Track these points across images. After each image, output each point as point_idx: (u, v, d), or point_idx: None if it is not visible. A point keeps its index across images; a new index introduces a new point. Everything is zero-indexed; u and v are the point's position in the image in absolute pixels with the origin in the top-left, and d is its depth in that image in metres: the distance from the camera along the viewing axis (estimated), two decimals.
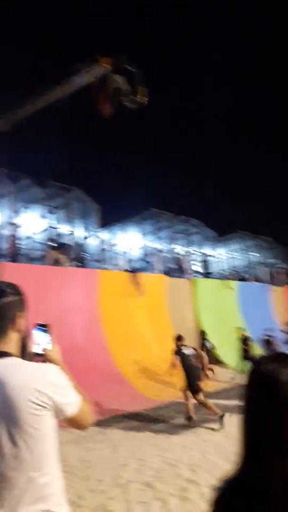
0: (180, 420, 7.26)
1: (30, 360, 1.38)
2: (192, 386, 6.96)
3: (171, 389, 10.07)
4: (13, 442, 1.22)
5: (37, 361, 1.39)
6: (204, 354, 7.81)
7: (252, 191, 35.99)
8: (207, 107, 37.73)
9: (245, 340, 11.12)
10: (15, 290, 1.42)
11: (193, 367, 7.09)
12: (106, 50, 9.04)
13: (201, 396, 6.94)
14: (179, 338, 7.59)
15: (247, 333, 11.37)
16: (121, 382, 9.74)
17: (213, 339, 14.04)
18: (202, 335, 11.30)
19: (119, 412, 7.97)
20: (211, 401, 7.11)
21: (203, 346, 11.19)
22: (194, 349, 7.75)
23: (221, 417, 6.58)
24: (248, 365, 10.65)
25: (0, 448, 1.22)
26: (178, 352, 7.23)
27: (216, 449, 5.48)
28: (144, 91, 8.77)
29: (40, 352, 1.42)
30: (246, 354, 10.88)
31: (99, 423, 6.91)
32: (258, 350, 11.19)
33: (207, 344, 11.24)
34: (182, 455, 5.35)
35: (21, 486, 1.22)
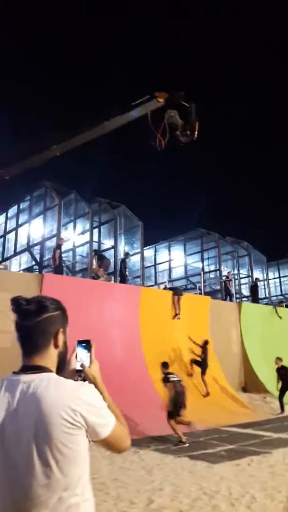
0: (221, 448, 6.88)
1: (68, 376, 1.36)
2: (175, 411, 7.12)
3: (211, 415, 9.68)
4: (44, 460, 1.17)
5: (76, 378, 1.37)
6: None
7: None
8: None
9: (280, 370, 10.80)
10: (57, 305, 1.39)
11: (181, 393, 7.25)
12: (161, 85, 9.38)
13: (174, 421, 7.14)
14: (164, 365, 7.81)
15: (284, 363, 10.91)
16: (158, 403, 9.47)
17: (258, 366, 13.42)
18: (205, 344, 11.53)
19: (155, 434, 7.71)
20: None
21: (203, 353, 11.47)
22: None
23: (180, 441, 6.99)
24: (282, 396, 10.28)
25: (30, 465, 1.17)
26: (166, 379, 7.41)
27: (258, 484, 5.08)
28: (197, 126, 8.90)
29: (79, 368, 1.41)
30: (282, 385, 10.62)
31: (135, 443, 6.69)
32: None
33: (205, 352, 11.56)
34: (221, 486, 5.00)
35: (51, 505, 1.17)
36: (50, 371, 1.31)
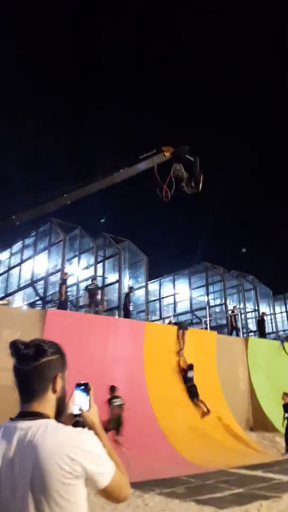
0: (229, 492, 6.56)
1: (66, 420, 1.33)
2: (117, 429, 8.09)
3: (219, 456, 9.31)
4: (40, 511, 1.12)
5: (73, 423, 1.34)
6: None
7: None
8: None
9: (286, 406, 10.56)
10: (56, 349, 1.38)
11: (118, 415, 8.23)
12: (167, 139, 9.89)
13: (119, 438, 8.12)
14: (112, 389, 8.55)
15: None
16: (163, 442, 9.16)
17: (266, 403, 13.02)
18: (190, 367, 11.61)
19: (159, 475, 7.40)
20: None
21: (185, 377, 11.61)
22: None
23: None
24: None
25: None
26: (110, 401, 8.30)
27: None
28: (202, 179, 9.33)
29: (77, 412, 1.38)
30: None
31: (139, 486, 6.41)
32: None
33: (190, 375, 11.56)
34: None
35: None
36: (48, 417, 1.28)
